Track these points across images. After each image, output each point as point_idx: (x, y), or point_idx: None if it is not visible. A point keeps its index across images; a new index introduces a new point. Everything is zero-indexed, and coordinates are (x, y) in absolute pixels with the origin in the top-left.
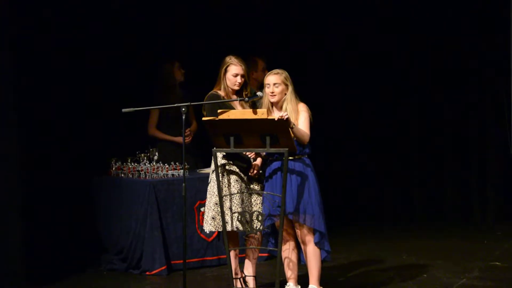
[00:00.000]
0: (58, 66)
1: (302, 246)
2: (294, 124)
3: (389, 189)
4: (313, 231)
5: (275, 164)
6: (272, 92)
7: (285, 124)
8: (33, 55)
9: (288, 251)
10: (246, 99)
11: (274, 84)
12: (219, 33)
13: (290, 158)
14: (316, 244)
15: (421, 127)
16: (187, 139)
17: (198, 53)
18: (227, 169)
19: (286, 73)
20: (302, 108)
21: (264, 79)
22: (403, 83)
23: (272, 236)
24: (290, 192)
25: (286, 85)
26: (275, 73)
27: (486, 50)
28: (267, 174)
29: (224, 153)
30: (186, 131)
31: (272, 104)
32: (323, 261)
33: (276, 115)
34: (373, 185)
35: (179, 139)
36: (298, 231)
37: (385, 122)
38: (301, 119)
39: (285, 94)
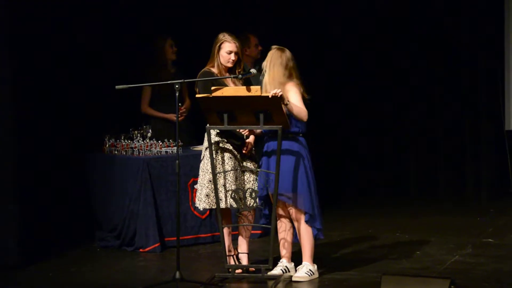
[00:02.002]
0: (56, 49)
1: (295, 224)
2: (288, 101)
3: (383, 167)
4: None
5: (271, 143)
6: None
7: (278, 101)
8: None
9: (283, 231)
10: (240, 76)
11: None
12: (213, 8)
13: (285, 136)
14: (306, 222)
15: (414, 106)
16: (181, 117)
17: (193, 29)
18: (221, 147)
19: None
20: (291, 85)
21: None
22: (399, 65)
23: (267, 212)
24: (281, 171)
25: None
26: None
27: (481, 30)
28: (263, 151)
29: (218, 130)
30: (181, 108)
31: None
32: (315, 239)
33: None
34: (367, 163)
35: (171, 116)
36: (290, 209)
37: (380, 102)
38: (291, 96)
39: None
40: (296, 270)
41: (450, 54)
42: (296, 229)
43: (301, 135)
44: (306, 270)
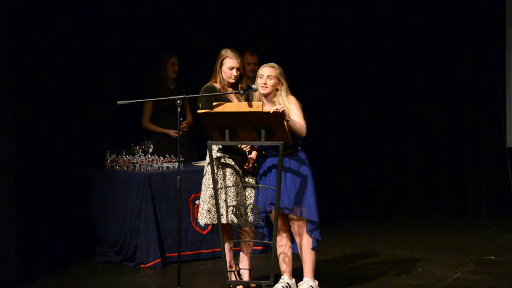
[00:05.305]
0: (56, 56)
1: (297, 239)
2: (289, 117)
3: (384, 183)
4: (307, 221)
5: (270, 159)
6: (265, 84)
7: (280, 117)
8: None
9: (283, 246)
10: (241, 91)
11: (268, 76)
12: (216, 24)
13: (285, 152)
14: (308, 232)
15: (415, 121)
16: (181, 133)
17: (195, 44)
18: (222, 162)
19: (281, 69)
20: (292, 101)
21: (258, 70)
22: (396, 75)
23: (267, 229)
24: (285, 186)
25: (279, 80)
26: (270, 66)
27: (482, 47)
28: (261, 168)
29: (220, 146)
30: (183, 123)
31: (264, 97)
32: (314, 250)
33: (267, 108)
34: (368, 179)
35: (171, 131)
36: (292, 224)
37: (379, 115)
38: (293, 111)
39: (277, 89)
40: (297, 286)
41: (451, 70)
42: (296, 242)
43: (299, 148)
44: (307, 286)
